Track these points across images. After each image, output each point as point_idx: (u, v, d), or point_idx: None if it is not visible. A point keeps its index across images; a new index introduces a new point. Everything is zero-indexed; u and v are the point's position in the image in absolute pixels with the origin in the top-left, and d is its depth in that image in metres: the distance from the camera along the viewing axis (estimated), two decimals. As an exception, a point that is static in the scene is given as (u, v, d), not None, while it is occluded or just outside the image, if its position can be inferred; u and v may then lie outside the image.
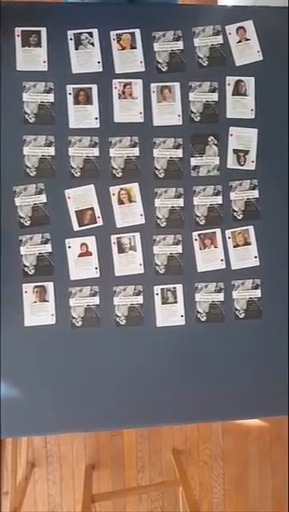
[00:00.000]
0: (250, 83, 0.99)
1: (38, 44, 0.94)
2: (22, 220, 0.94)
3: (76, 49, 0.95)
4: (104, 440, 1.90)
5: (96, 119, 0.95)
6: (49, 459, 1.87)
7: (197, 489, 1.94)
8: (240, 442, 1.99)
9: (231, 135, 0.99)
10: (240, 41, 0.99)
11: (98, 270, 0.95)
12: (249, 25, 0.99)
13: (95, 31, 0.95)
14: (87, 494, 1.56)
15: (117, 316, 0.96)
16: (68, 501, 1.87)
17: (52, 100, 0.94)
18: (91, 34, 0.95)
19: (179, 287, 0.97)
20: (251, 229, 0.99)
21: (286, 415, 1.00)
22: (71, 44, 0.95)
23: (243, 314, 0.99)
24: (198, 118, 0.98)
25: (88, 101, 0.95)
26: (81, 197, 0.95)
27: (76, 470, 1.88)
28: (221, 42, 0.99)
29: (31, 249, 0.94)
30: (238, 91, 0.99)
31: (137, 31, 0.96)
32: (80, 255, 0.95)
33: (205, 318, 0.98)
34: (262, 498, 2.00)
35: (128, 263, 0.96)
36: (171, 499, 1.90)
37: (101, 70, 0.96)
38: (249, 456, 2.00)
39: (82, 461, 1.89)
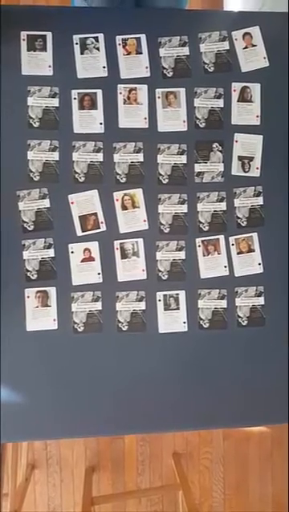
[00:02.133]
0: (255, 89, 0.99)
1: (44, 48, 0.94)
2: (25, 224, 0.94)
3: (82, 54, 0.95)
4: (105, 443, 1.90)
5: (101, 124, 0.95)
6: (49, 461, 1.88)
7: (197, 494, 1.94)
8: (241, 447, 1.98)
9: (236, 141, 0.98)
10: (246, 47, 0.99)
11: (100, 275, 0.95)
12: (255, 31, 0.99)
13: (100, 36, 0.95)
14: (86, 497, 1.56)
15: (119, 322, 0.96)
16: (68, 504, 1.87)
17: (57, 105, 0.94)
18: (96, 38, 0.95)
19: (182, 294, 0.97)
20: (255, 236, 0.99)
21: (286, 423, 1.00)
22: (77, 49, 0.95)
23: (246, 322, 0.99)
24: (203, 124, 0.97)
25: (93, 106, 0.95)
26: (85, 202, 0.95)
27: (76, 473, 1.88)
28: (228, 48, 0.98)
29: (34, 253, 0.94)
30: (243, 97, 0.98)
31: (143, 36, 0.96)
32: (83, 260, 0.95)
33: (207, 325, 0.97)
34: (262, 503, 1.99)
35: (131, 269, 0.96)
36: (171, 503, 1.90)
37: (106, 75, 0.95)
38: (249, 461, 1.99)
39: (82, 463, 1.89)
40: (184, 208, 0.97)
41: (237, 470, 1.98)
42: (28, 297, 0.93)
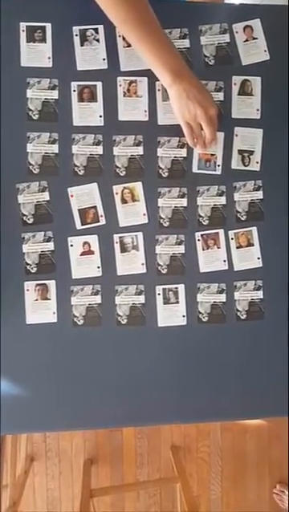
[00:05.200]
0: (256, 82, 0.98)
1: (43, 40, 0.93)
2: (24, 217, 0.94)
3: (81, 45, 0.94)
4: (103, 436, 1.91)
5: (100, 116, 0.94)
6: (48, 453, 1.89)
7: (195, 486, 1.96)
8: (238, 440, 2.00)
9: (236, 135, 0.98)
10: (247, 40, 0.98)
11: (100, 268, 0.95)
12: (256, 23, 0.98)
13: (100, 28, 0.94)
14: (85, 489, 1.57)
15: (119, 315, 0.96)
16: (67, 496, 1.89)
17: (56, 97, 0.94)
18: (96, 30, 0.94)
19: (181, 287, 0.97)
20: (255, 230, 0.99)
21: (286, 416, 1.00)
22: (77, 40, 0.94)
23: (245, 316, 0.99)
24: (203, 117, 0.97)
25: (93, 98, 0.94)
26: (84, 196, 0.94)
27: (75, 465, 1.89)
28: (228, 40, 0.98)
29: (34, 247, 0.93)
30: (244, 90, 0.98)
31: (143, 28, 0.95)
32: (82, 254, 0.95)
33: (206, 318, 0.98)
34: (259, 496, 2.01)
35: (131, 263, 0.96)
36: (169, 495, 1.91)
37: (106, 67, 0.95)
38: (247, 453, 2.01)
39: (81, 455, 1.90)
40: (184, 202, 0.97)
41: (234, 463, 1.99)
42: (28, 290, 0.93)
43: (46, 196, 0.94)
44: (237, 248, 0.98)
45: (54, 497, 1.88)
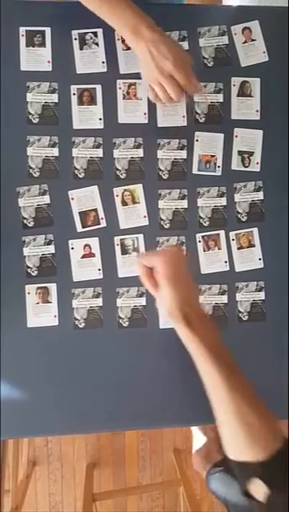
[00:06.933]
0: (255, 83, 0.98)
1: (43, 44, 0.93)
2: (25, 221, 0.93)
3: (81, 49, 0.94)
4: (106, 439, 1.90)
5: (100, 119, 0.95)
6: (50, 458, 1.88)
7: (198, 489, 1.95)
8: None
9: (236, 136, 0.98)
10: (245, 41, 0.98)
11: (101, 271, 0.95)
12: (255, 25, 0.98)
13: (99, 31, 0.94)
14: (87, 493, 1.57)
15: (120, 318, 0.96)
16: (69, 500, 1.88)
17: (56, 101, 0.94)
18: (95, 33, 0.94)
19: (182, 289, 0.97)
20: (255, 231, 0.99)
21: (286, 418, 1.00)
22: (76, 44, 0.94)
23: (247, 317, 0.99)
24: (203, 119, 0.97)
25: (92, 102, 0.94)
26: (85, 198, 0.94)
27: (77, 469, 1.88)
28: (227, 42, 0.98)
29: (34, 250, 0.93)
30: (243, 91, 0.98)
31: (142, 31, 0.95)
32: (83, 256, 0.94)
33: (208, 320, 0.97)
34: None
35: (132, 265, 0.95)
36: (172, 498, 1.90)
37: (105, 70, 0.95)
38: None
39: (83, 459, 1.89)
40: (184, 203, 0.97)
41: (237, 465, 1.98)
42: (29, 293, 0.93)
43: (46, 199, 0.94)
44: (238, 249, 0.98)
45: (56, 501, 1.88)
